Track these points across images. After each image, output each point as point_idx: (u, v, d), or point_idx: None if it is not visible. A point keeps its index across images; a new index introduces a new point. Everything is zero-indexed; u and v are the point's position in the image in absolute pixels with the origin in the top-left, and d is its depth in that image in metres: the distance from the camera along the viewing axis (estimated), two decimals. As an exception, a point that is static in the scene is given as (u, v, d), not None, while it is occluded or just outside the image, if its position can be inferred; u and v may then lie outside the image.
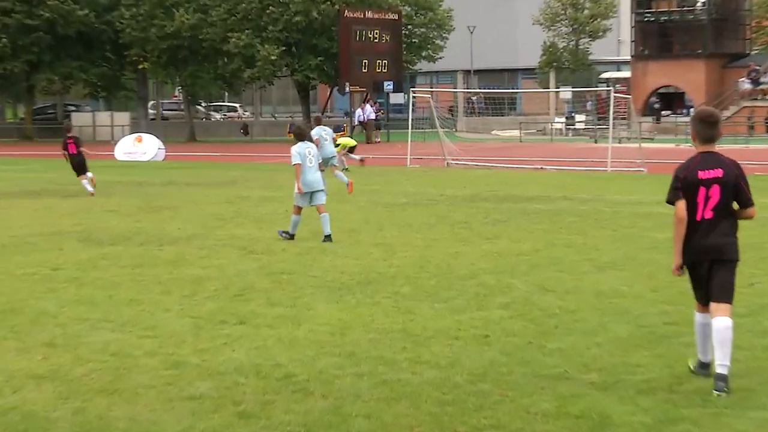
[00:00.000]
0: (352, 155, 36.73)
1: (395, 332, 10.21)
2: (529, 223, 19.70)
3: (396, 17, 64.60)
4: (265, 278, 13.49)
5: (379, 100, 70.31)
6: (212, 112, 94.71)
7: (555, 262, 14.55)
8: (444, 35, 72.19)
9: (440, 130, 41.37)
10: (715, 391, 7.97)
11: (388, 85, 63.53)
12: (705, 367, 8.60)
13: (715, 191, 8.31)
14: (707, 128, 8.45)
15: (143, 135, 51.82)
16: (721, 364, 8.12)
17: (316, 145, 29.92)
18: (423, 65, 75.39)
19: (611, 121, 38.59)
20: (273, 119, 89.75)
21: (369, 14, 63.48)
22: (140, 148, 47.99)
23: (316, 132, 30.41)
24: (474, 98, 78.74)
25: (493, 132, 68.12)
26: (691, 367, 8.72)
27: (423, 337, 9.99)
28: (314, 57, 65.83)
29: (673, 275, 8.67)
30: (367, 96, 67.29)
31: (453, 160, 39.89)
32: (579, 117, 70.28)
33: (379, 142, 62.63)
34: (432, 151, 40.85)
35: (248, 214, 21.88)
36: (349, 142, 37.92)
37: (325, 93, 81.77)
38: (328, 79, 69.06)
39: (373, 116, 64.88)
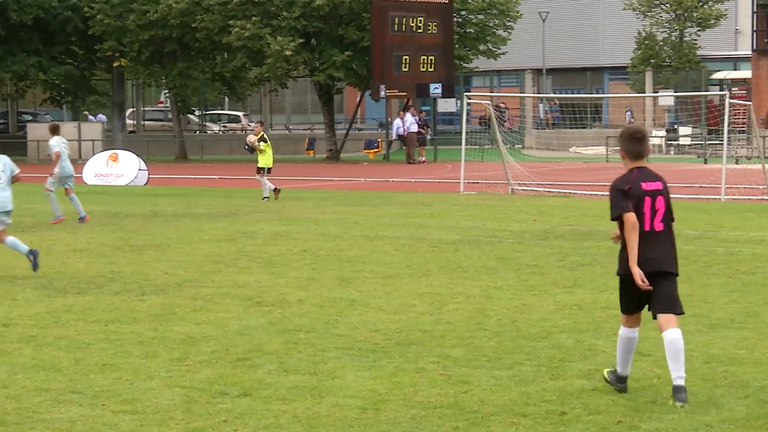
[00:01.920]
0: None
1: (444, 407, 10.23)
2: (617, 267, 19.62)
3: (446, 0, 64.53)
4: (276, 337, 13.56)
5: (423, 108, 70.52)
6: (208, 123, 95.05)
7: (651, 317, 14.52)
8: (508, 23, 71.83)
9: (502, 147, 41.36)
10: (678, 403, 10.14)
11: (435, 89, 63.66)
12: (623, 381, 10.82)
13: (661, 203, 10.51)
14: (636, 144, 10.67)
15: (119, 152, 52.10)
16: (679, 376, 10.31)
17: (55, 160, 30.82)
18: (481, 62, 75.36)
19: (725, 136, 38.50)
20: (287, 132, 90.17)
21: (410, -4, 63.64)
22: (116, 169, 48.30)
23: (55, 143, 30.84)
24: (547, 105, 78.85)
25: (572, 149, 68.16)
26: (607, 378, 10.91)
27: (480, 414, 10.01)
28: (340, 52, 65.91)
29: (644, 289, 10.45)
30: (408, 103, 67.48)
31: (519, 185, 39.88)
32: (684, 130, 70.01)
33: (424, 161, 62.76)
34: (492, 173, 40.90)
35: (255, 255, 21.98)
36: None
37: (354, 98, 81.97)
38: (358, 81, 69.34)
39: (414, 129, 64.59)
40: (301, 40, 65.65)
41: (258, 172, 38.07)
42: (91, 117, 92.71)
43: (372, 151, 70.43)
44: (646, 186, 10.48)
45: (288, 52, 64.20)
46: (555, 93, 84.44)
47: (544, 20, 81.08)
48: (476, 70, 78.80)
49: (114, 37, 69.73)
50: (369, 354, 12.59)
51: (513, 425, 9.65)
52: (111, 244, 24.17)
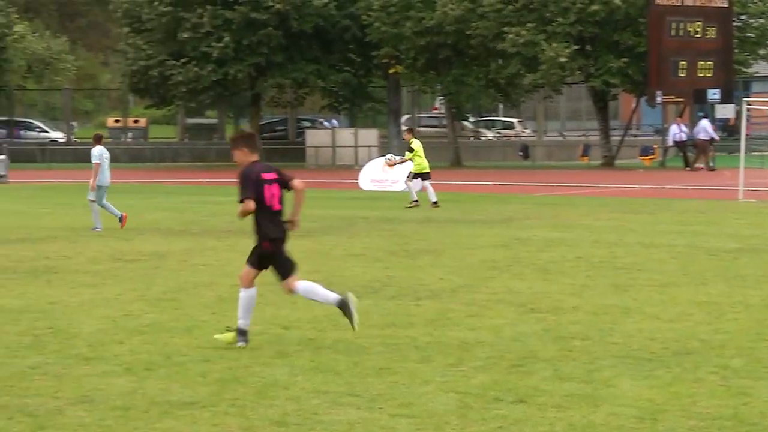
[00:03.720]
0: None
1: (724, 419, 10.01)
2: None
3: (725, 4, 63.34)
4: (551, 344, 13.51)
5: (699, 114, 69.27)
6: (482, 129, 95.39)
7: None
8: (792, 26, 70.18)
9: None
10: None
11: (713, 94, 62.43)
12: (245, 336, 13.46)
13: (276, 188, 13.58)
14: (254, 143, 14.29)
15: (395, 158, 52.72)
16: (334, 299, 13.84)
17: (95, 172, 30.32)
18: (760, 67, 73.69)
19: None
20: (561, 138, 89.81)
21: (688, 1, 62.57)
22: (391, 174, 48.86)
23: (96, 153, 30.30)
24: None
25: None
26: (226, 338, 13.43)
27: (761, 427, 9.76)
28: (616, 58, 65.36)
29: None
30: (685, 109, 66.45)
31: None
32: None
33: (701, 168, 61.42)
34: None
35: (529, 262, 21.95)
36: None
37: (630, 104, 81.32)
38: (634, 87, 68.61)
39: (706, 136, 62.40)
40: (576, 47, 65.33)
41: (415, 178, 38.31)
42: (326, 122, 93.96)
43: (647, 157, 69.65)
44: (266, 176, 13.59)
45: (563, 59, 64.00)
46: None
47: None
48: (755, 75, 77.12)
49: (390, 44, 70.52)
50: (645, 363, 12.42)
51: (796, 439, 9.42)
52: (386, 249, 24.47)
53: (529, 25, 65.05)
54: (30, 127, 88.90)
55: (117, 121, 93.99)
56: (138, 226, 30.21)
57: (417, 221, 31.63)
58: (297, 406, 10.62)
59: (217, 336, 13.51)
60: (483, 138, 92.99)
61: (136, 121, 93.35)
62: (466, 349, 13.23)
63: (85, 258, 22.63)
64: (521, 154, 77.25)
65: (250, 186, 13.37)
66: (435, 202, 36.66)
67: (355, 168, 55.20)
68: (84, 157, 75.53)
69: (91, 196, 29.61)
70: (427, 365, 12.43)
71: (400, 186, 47.11)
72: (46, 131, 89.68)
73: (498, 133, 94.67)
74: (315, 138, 75.39)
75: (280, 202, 13.65)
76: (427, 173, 38.53)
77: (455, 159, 73.41)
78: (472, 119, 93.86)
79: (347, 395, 11.05)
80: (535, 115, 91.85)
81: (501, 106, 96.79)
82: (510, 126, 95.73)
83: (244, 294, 13.55)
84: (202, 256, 23.07)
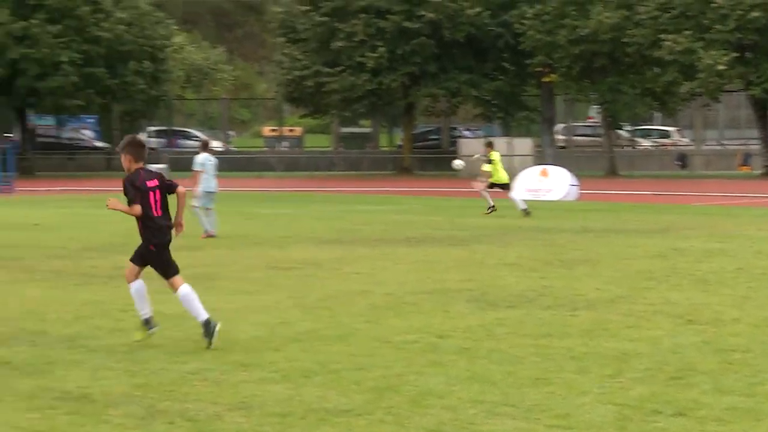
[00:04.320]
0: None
1: None
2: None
3: None
4: (711, 356, 13.28)
5: None
6: (638, 138, 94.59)
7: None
8: None
9: None
10: (208, 339, 13.88)
11: None
12: (150, 323, 14.41)
13: (158, 194, 14.28)
14: (141, 150, 14.67)
15: (550, 167, 52.55)
16: (202, 317, 14.11)
17: (196, 178, 30.11)
18: None
19: None
20: (719, 148, 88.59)
21: None
22: (546, 183, 48.71)
23: (200, 161, 30.36)
24: None
25: None
26: (145, 332, 14.36)
27: None
28: (776, 65, 64.46)
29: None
30: None
31: None
32: None
33: None
34: None
35: (687, 272, 21.64)
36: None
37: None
38: (798, 97, 67.47)
39: None
40: (736, 54, 64.41)
41: (490, 188, 38.64)
42: (468, 132, 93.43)
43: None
44: (150, 183, 14.23)
45: (721, 66, 63.15)
46: None
47: None
48: None
49: (544, 52, 70.35)
50: (810, 377, 12.18)
51: None
52: (541, 258, 24.30)
53: (686, 32, 64.38)
54: (188, 136, 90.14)
55: (273, 130, 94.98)
56: (292, 234, 30.47)
57: (572, 231, 31.41)
58: (453, 416, 10.56)
59: (136, 338, 14.38)
60: (639, 147, 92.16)
61: (291, 131, 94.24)
62: (624, 361, 13.07)
63: (241, 266, 22.86)
64: (678, 163, 76.44)
65: (135, 192, 14.15)
66: (492, 207, 37.77)
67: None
68: (242, 165, 76.92)
69: (196, 202, 29.81)
70: (584, 376, 12.30)
71: (554, 195, 46.96)
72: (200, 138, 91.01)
73: (654, 142, 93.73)
74: (469, 147, 75.33)
75: (162, 207, 14.41)
76: (507, 184, 39.02)
77: (611, 168, 72.94)
78: (627, 128, 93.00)
79: (503, 405, 10.97)
80: (693, 123, 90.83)
81: (657, 114, 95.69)
82: (666, 135, 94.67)
83: (132, 289, 14.51)
84: (354, 264, 23.13)
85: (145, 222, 14.32)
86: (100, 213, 31.46)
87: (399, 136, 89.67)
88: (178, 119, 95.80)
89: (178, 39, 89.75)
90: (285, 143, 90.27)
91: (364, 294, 18.57)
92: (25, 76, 72.96)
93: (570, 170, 51.65)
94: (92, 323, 15.59)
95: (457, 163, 44.03)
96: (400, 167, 77.10)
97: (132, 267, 14.51)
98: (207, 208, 30.03)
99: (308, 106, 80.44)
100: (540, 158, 68.28)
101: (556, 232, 30.96)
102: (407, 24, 70.36)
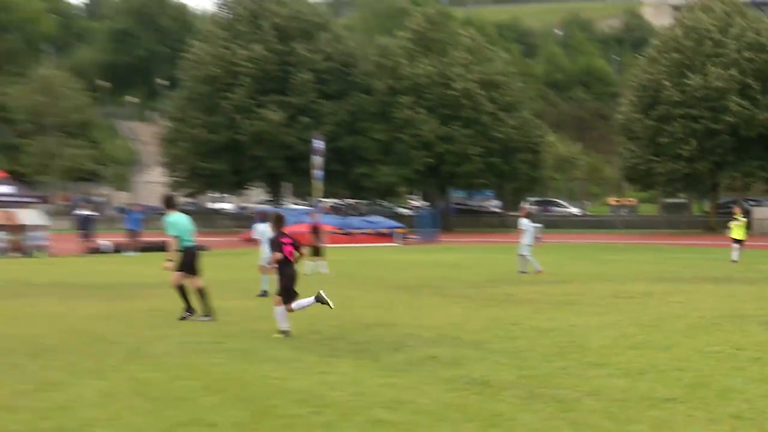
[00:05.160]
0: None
1: None
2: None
3: None
4: None
5: None
6: None
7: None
8: None
9: None
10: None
11: None
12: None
13: (291, 248, 15.15)
14: (281, 222, 15.55)
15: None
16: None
17: (522, 233, 28.33)
18: None
19: None
20: None
21: None
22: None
23: (526, 222, 29.57)
24: None
25: None
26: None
27: None
28: None
29: None
30: None
31: None
32: None
33: None
34: None
35: None
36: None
37: None
38: None
39: None
40: None
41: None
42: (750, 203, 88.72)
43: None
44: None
45: None
46: None
47: None
48: None
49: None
50: None
51: None
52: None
53: None
54: (557, 204, 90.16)
55: (616, 200, 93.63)
56: (630, 273, 29.82)
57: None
58: (749, 406, 10.07)
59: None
60: None
61: (629, 201, 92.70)
62: None
63: (594, 295, 22.54)
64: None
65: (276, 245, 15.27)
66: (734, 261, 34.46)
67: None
68: (594, 225, 76.13)
69: (523, 250, 30.19)
70: None
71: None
72: (567, 207, 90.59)
73: None
74: (761, 213, 71.91)
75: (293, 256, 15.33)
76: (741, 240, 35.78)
77: None
78: None
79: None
80: None
81: None
82: None
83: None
84: (675, 295, 22.39)
85: (280, 265, 15.08)
86: (496, 256, 31.84)
87: (706, 205, 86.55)
88: (549, 193, 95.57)
89: (551, 138, 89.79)
90: (624, 210, 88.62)
91: (683, 317, 17.97)
92: (447, 164, 74.81)
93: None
94: (492, 333, 15.72)
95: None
96: (707, 227, 74.31)
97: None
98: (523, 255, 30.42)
99: (641, 184, 78.78)
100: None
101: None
102: (713, 126, 68.06)
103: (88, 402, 10.22)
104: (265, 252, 22.49)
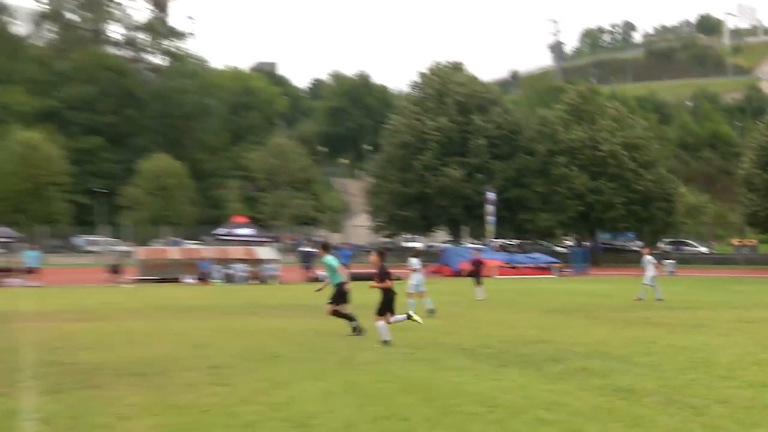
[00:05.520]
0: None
1: None
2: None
3: None
4: None
5: None
6: None
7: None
8: None
9: None
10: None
11: None
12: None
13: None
14: (383, 257, 15.68)
15: None
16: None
17: (648, 269, 25.88)
18: None
19: None
20: None
21: None
22: None
23: (647, 260, 27.42)
24: None
25: None
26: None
27: None
28: None
29: None
30: None
31: None
32: None
33: None
34: None
35: None
36: None
37: None
38: None
39: None
40: None
41: None
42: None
43: None
44: None
45: None
46: None
47: None
48: None
49: None
50: None
51: None
52: None
53: None
54: (688, 244, 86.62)
55: (739, 241, 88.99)
56: (755, 301, 28.20)
57: None
58: None
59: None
60: None
61: (750, 242, 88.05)
62: None
63: (720, 319, 21.49)
64: None
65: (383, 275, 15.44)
66: None
67: None
68: (719, 262, 72.56)
69: (648, 281, 29.25)
70: None
71: None
72: (697, 247, 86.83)
73: None
74: None
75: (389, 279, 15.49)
76: None
77: None
78: None
79: None
80: None
81: None
82: None
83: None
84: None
85: (386, 289, 15.35)
86: (636, 287, 30.74)
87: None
88: (681, 234, 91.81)
89: (682, 189, 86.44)
90: (746, 249, 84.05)
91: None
92: (595, 211, 73.32)
93: None
94: (633, 349, 15.17)
95: None
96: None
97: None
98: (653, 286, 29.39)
99: (760, 228, 74.68)
100: None
101: None
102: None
103: (310, 398, 10.46)
104: (412, 279, 22.79)
